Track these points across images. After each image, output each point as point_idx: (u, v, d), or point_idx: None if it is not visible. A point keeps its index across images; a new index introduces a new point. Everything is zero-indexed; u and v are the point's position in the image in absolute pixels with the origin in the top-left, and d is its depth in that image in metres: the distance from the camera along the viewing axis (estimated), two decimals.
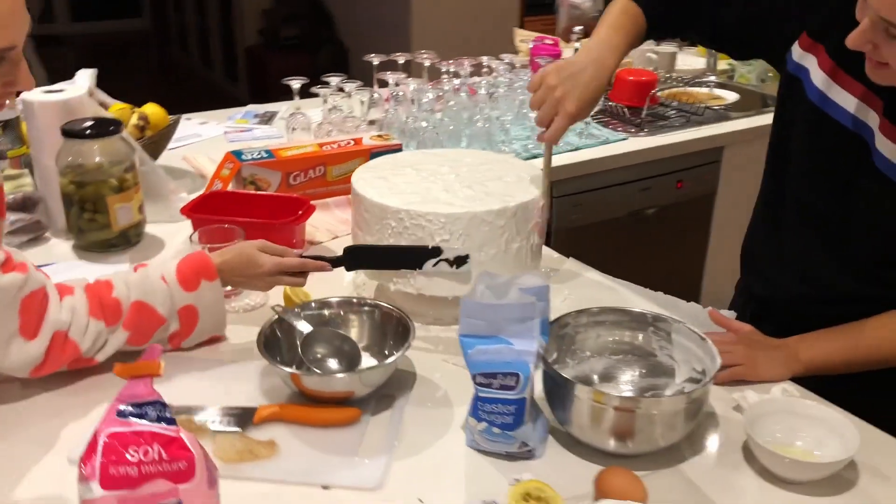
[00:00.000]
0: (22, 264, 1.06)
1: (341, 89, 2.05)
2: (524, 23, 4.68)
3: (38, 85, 1.56)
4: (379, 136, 1.81)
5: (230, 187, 1.63)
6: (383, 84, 2.10)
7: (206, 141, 2.17)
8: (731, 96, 2.63)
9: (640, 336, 1.11)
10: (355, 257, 1.22)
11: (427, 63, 2.13)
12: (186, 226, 1.44)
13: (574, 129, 2.24)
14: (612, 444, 0.97)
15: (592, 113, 2.22)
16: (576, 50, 2.58)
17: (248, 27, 6.04)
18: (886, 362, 1.15)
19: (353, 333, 1.16)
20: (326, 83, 2.04)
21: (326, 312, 1.17)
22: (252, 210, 1.46)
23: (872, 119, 1.10)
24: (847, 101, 1.12)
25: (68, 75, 1.80)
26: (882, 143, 1.09)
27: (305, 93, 2.04)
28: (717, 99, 2.61)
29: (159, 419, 0.78)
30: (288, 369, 1.06)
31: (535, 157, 2.04)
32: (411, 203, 1.20)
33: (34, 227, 1.53)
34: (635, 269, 1.79)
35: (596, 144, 2.21)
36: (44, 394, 1.10)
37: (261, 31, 6.02)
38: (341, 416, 1.03)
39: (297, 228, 1.45)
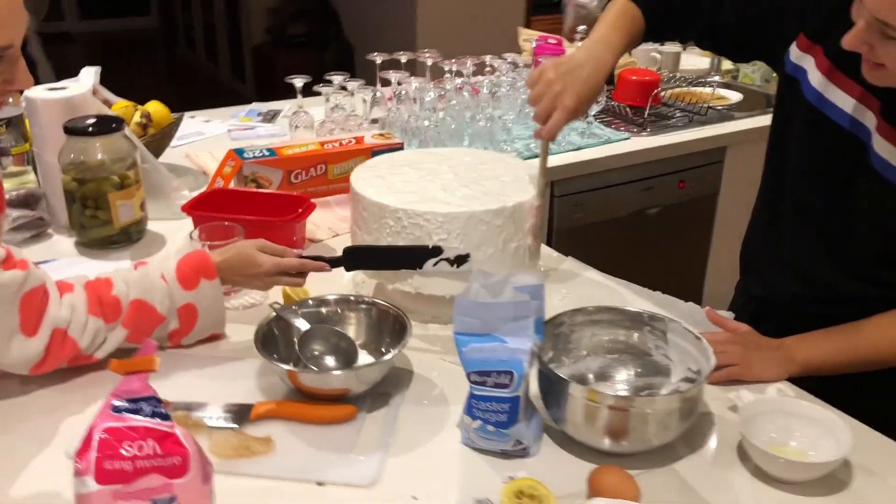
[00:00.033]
0: (22, 261, 1.07)
1: (344, 88, 2.06)
2: (531, 22, 4.68)
3: (45, 82, 1.57)
4: (380, 134, 1.81)
5: (232, 185, 1.64)
6: (386, 83, 2.10)
7: (209, 139, 2.18)
8: (734, 96, 2.63)
9: (636, 335, 1.11)
10: (355, 257, 1.23)
11: (430, 62, 2.13)
12: (188, 223, 1.45)
13: (576, 128, 2.25)
14: (606, 443, 0.98)
15: (595, 112, 2.23)
16: None
17: (255, 25, 6.05)
18: (883, 363, 1.15)
19: (351, 331, 1.17)
20: (329, 82, 2.04)
21: (324, 310, 1.18)
22: (253, 208, 1.47)
23: (870, 120, 1.10)
24: (844, 101, 1.13)
25: (76, 73, 1.81)
26: (879, 144, 1.09)
27: (310, 91, 2.04)
28: (720, 99, 2.61)
29: (154, 415, 0.79)
30: (284, 366, 1.06)
31: (536, 156, 2.02)
32: (409, 202, 1.20)
33: (37, 223, 1.54)
34: (637, 269, 1.79)
35: (598, 144, 2.21)
36: (42, 389, 1.11)
37: (268, 29, 6.03)
38: (337, 414, 1.04)
39: (297, 226, 1.46)
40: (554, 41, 2.54)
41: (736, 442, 1.02)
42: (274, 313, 1.14)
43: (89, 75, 1.80)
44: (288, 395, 1.08)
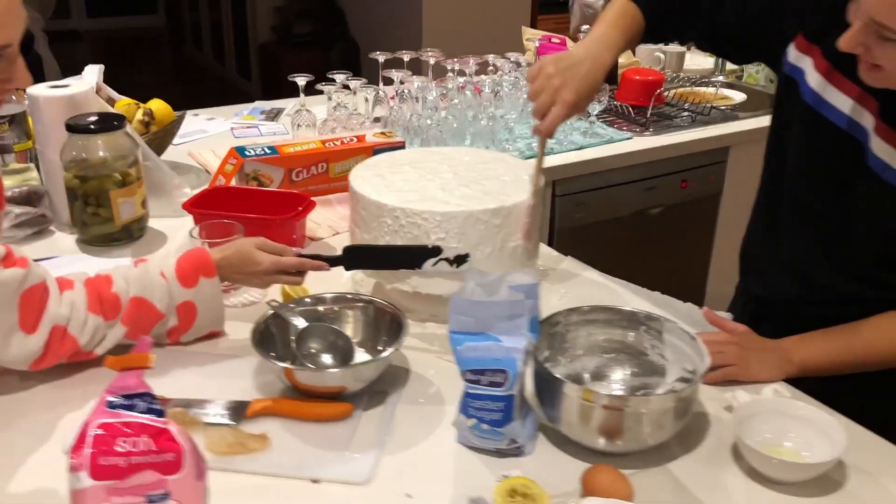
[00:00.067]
0: (22, 259, 1.07)
1: (346, 86, 2.06)
2: (538, 21, 4.67)
3: (51, 80, 1.58)
4: (382, 133, 1.82)
5: (233, 183, 1.65)
6: (388, 81, 2.11)
7: (212, 137, 2.18)
8: (738, 96, 2.62)
9: (632, 335, 1.11)
10: (354, 257, 1.23)
11: (432, 61, 2.13)
12: (189, 221, 1.45)
13: (579, 128, 2.25)
14: (600, 443, 0.98)
15: (597, 112, 2.23)
16: None
17: (262, 24, 6.06)
18: (881, 364, 1.15)
19: (348, 329, 1.17)
20: (332, 80, 2.05)
21: (321, 308, 1.18)
22: (253, 206, 1.47)
23: (867, 121, 1.10)
24: (842, 102, 1.13)
25: (83, 71, 1.82)
26: (877, 145, 1.09)
27: (314, 90, 2.05)
28: (724, 99, 2.61)
29: (148, 411, 0.79)
30: (281, 364, 1.07)
31: (535, 156, 2.04)
32: (407, 201, 1.20)
33: (39, 220, 1.55)
34: (639, 269, 1.79)
35: (600, 143, 2.21)
36: (42, 385, 1.11)
37: (274, 27, 6.04)
38: (333, 411, 1.04)
39: (297, 224, 1.47)
40: (557, 40, 2.54)
41: (731, 442, 1.02)
42: (271, 311, 1.14)
43: (93, 73, 1.81)
44: (285, 393, 1.09)
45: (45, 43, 4.57)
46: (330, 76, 2.05)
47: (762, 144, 1.32)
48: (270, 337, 1.12)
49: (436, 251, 1.17)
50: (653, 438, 0.98)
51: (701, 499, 0.94)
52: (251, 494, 0.93)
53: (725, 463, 1.00)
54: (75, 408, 1.07)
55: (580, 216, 2.21)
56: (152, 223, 1.59)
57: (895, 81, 1.00)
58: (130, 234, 1.53)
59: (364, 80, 2.07)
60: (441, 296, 1.22)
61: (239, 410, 1.04)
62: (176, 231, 1.57)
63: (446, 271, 1.18)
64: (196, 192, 1.57)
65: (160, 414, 0.80)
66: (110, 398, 0.79)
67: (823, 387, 1.13)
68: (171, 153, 1.93)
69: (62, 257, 1.47)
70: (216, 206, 1.45)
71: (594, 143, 2.20)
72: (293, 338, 1.12)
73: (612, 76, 2.52)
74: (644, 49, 2.80)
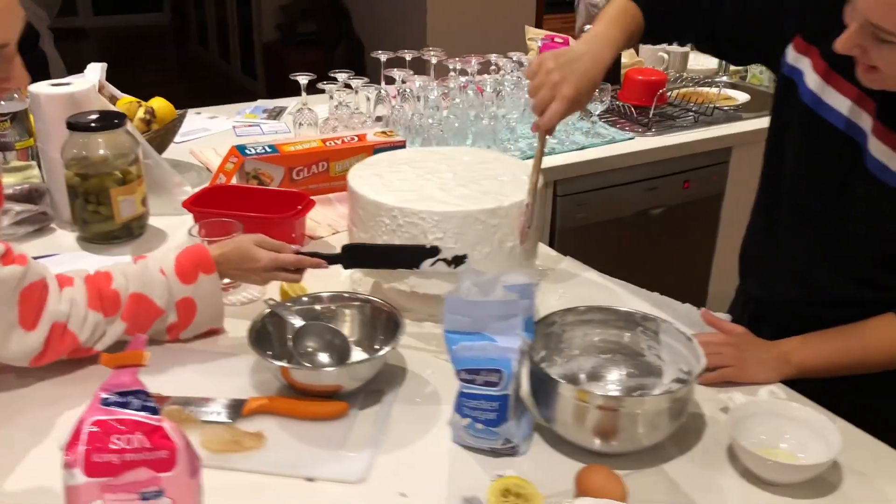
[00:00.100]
0: (21, 256, 1.08)
1: (348, 85, 2.06)
2: (543, 20, 4.67)
3: (56, 78, 1.59)
4: (383, 132, 1.82)
5: (234, 181, 1.65)
6: (390, 81, 2.11)
7: (214, 135, 2.19)
8: (742, 97, 2.62)
9: (628, 335, 1.11)
10: (353, 255, 1.23)
11: (434, 60, 2.13)
12: (189, 219, 1.45)
13: (581, 128, 2.25)
14: (595, 443, 0.98)
15: (599, 112, 2.23)
16: None
17: (267, 23, 6.08)
18: (878, 366, 1.15)
19: (345, 328, 1.18)
20: (334, 79, 2.05)
21: (318, 307, 1.18)
22: (253, 204, 1.48)
23: (865, 122, 1.10)
24: (841, 103, 1.12)
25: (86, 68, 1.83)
26: (875, 146, 1.09)
27: (317, 88, 2.05)
28: (728, 99, 2.60)
29: (142, 408, 0.80)
30: (277, 363, 1.07)
31: None
32: (405, 201, 1.20)
33: (40, 217, 1.56)
34: (640, 270, 1.79)
35: (602, 143, 2.21)
36: (41, 382, 1.12)
37: (279, 26, 6.05)
38: (329, 410, 1.04)
39: (296, 223, 1.47)
40: (560, 40, 2.54)
41: (726, 443, 1.02)
42: (268, 310, 1.15)
43: (95, 71, 1.82)
44: (281, 392, 1.09)
45: (51, 41, 4.58)
46: (332, 75, 2.06)
47: (765, 145, 1.32)
48: (267, 335, 1.12)
49: (434, 251, 1.17)
50: (648, 439, 0.98)
51: (695, 500, 0.94)
52: (246, 492, 0.94)
53: (721, 464, 1.00)
54: (74, 405, 1.07)
55: (581, 216, 2.21)
56: (153, 221, 1.59)
57: (892, 83, 1.00)
58: (131, 232, 1.53)
59: (366, 80, 2.07)
60: (439, 295, 1.22)
61: (235, 408, 1.05)
62: (176, 229, 1.57)
63: (444, 272, 1.18)
64: (196, 190, 1.58)
65: (154, 411, 0.80)
66: (104, 395, 0.79)
67: (822, 388, 1.13)
68: (172, 151, 1.94)
69: (63, 255, 1.48)
70: (216, 205, 1.46)
71: (596, 143, 2.20)
72: (290, 336, 1.13)
73: (614, 76, 2.52)
74: (648, 49, 2.80)
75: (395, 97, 2.06)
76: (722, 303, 1.51)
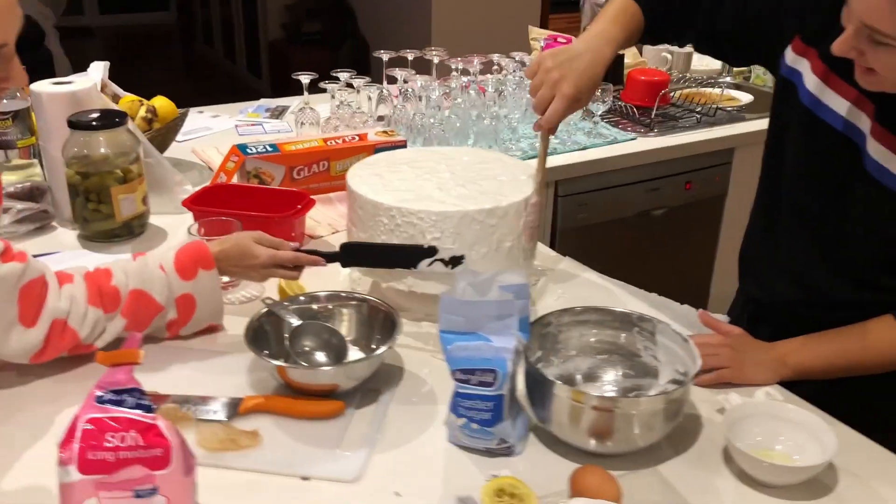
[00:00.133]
0: (21, 253, 1.09)
1: (350, 85, 2.07)
2: (549, 20, 4.67)
3: (62, 76, 1.60)
4: (384, 131, 1.82)
5: (235, 180, 1.65)
6: (392, 80, 2.11)
7: (216, 134, 2.20)
8: (745, 98, 2.61)
9: (624, 336, 1.11)
10: (351, 254, 1.23)
11: (436, 60, 2.14)
12: (190, 218, 1.46)
13: (582, 128, 2.25)
14: (590, 444, 0.98)
15: (601, 112, 2.23)
16: None
17: (272, 22, 6.09)
18: (877, 368, 1.15)
19: (342, 327, 1.18)
20: (336, 78, 2.05)
21: (315, 306, 1.18)
22: (253, 203, 1.48)
23: (864, 123, 1.10)
24: (839, 105, 1.12)
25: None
26: (873, 147, 1.09)
27: (319, 88, 2.06)
28: (731, 100, 2.59)
29: (137, 406, 0.80)
30: (274, 361, 1.07)
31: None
32: (404, 200, 1.21)
33: (41, 216, 1.57)
34: (642, 270, 1.79)
35: (604, 144, 2.20)
36: (41, 380, 1.12)
37: (284, 25, 6.06)
38: (325, 409, 1.05)
39: (295, 222, 1.47)
40: (564, 40, 2.53)
41: (722, 445, 1.02)
42: (265, 309, 1.15)
43: (98, 70, 1.83)
44: (278, 390, 1.09)
45: (56, 39, 4.60)
46: (334, 74, 2.06)
47: None
48: (264, 334, 1.13)
49: (431, 251, 1.17)
50: (643, 440, 0.98)
51: (690, 501, 0.94)
52: (241, 491, 0.94)
53: (716, 465, 1.00)
54: (73, 402, 1.06)
55: (583, 217, 2.21)
56: (153, 220, 1.60)
57: (889, 85, 0.99)
58: (131, 230, 1.54)
59: (367, 79, 2.07)
60: (436, 295, 1.21)
61: (231, 407, 1.05)
62: (177, 228, 1.58)
63: (441, 272, 1.18)
64: (198, 188, 1.58)
65: (149, 409, 0.80)
66: (99, 393, 0.80)
67: (819, 390, 1.13)
68: (174, 150, 1.95)
69: (63, 253, 1.48)
70: (216, 204, 1.46)
71: (598, 143, 2.20)
72: (287, 335, 1.13)
73: (618, 76, 2.52)
74: (651, 49, 2.80)
75: (396, 97, 2.06)
76: (723, 304, 1.51)
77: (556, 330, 1.11)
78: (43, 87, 1.53)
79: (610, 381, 1.11)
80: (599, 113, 2.23)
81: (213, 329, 1.24)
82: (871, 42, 0.93)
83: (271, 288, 1.33)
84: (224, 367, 1.15)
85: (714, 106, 2.45)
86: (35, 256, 1.13)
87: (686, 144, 2.29)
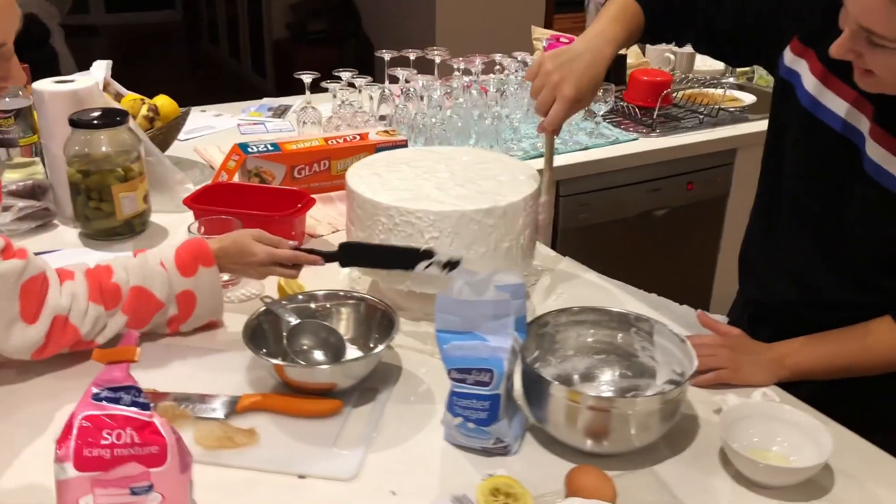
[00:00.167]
0: (21, 250, 1.09)
1: (352, 84, 2.07)
2: (553, 20, 4.66)
3: (66, 75, 1.60)
4: (385, 131, 1.82)
5: (236, 179, 1.66)
6: (394, 80, 2.11)
7: (219, 133, 2.20)
8: (748, 98, 2.61)
9: (621, 336, 1.11)
10: (349, 254, 1.23)
11: (438, 59, 2.14)
12: (191, 216, 1.46)
13: (584, 128, 2.25)
14: (587, 444, 0.98)
15: (603, 112, 2.23)
16: None
17: (277, 21, 6.10)
18: (875, 369, 1.15)
19: (340, 326, 1.18)
20: (338, 78, 2.06)
21: (313, 305, 1.19)
22: (253, 202, 1.48)
23: (863, 124, 1.10)
24: (839, 106, 1.12)
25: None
26: (872, 149, 1.09)
27: (322, 87, 2.06)
28: (734, 101, 2.59)
29: (133, 404, 0.81)
30: (271, 360, 1.07)
31: (541, 155, 2.03)
32: (402, 200, 1.21)
33: (42, 213, 1.57)
34: (643, 271, 1.79)
35: (606, 144, 2.20)
36: (41, 377, 1.13)
37: (289, 24, 6.07)
38: (322, 408, 1.05)
39: (295, 221, 1.48)
40: (566, 40, 2.53)
41: (719, 446, 1.02)
42: (264, 307, 1.15)
43: (101, 69, 1.83)
44: (276, 389, 1.10)
45: (62, 38, 4.62)
46: (336, 74, 2.06)
47: None
48: (262, 333, 1.13)
49: (428, 255, 1.17)
50: (639, 440, 0.98)
51: (686, 502, 0.94)
52: (238, 489, 0.94)
53: (712, 466, 1.00)
54: (73, 399, 1.05)
55: (584, 217, 2.21)
56: (154, 218, 1.60)
57: (888, 87, 0.99)
58: (132, 228, 1.54)
59: (369, 78, 2.07)
60: (435, 295, 1.22)
61: (229, 405, 1.05)
62: (177, 226, 1.58)
63: (437, 275, 1.18)
64: (198, 187, 1.59)
65: (145, 407, 0.81)
66: (96, 390, 0.80)
67: (817, 391, 1.13)
68: (176, 149, 1.95)
69: (65, 251, 1.49)
70: (217, 202, 1.46)
71: (600, 143, 2.20)
72: (285, 334, 1.13)
73: (620, 77, 2.52)
74: (654, 50, 2.79)
75: (398, 96, 2.07)
76: (725, 304, 1.51)
77: (554, 330, 1.11)
78: (45, 85, 1.53)
79: (607, 382, 1.11)
80: (601, 113, 2.23)
81: (213, 325, 1.25)
82: (868, 44, 0.93)
83: (271, 286, 1.34)
84: (223, 365, 1.16)
85: (716, 107, 2.45)
86: (36, 254, 1.13)
87: (688, 145, 2.28)
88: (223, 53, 7.30)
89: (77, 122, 1.45)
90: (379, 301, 1.18)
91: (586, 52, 1.24)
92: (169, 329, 1.21)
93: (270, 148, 1.68)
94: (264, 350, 1.10)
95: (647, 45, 2.79)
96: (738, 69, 2.87)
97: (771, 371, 1.15)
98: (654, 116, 2.34)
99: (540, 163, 1.36)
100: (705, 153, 2.33)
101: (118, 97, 1.83)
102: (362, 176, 1.30)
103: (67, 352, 1.13)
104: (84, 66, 1.88)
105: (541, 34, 2.65)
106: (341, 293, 1.21)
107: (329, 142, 1.74)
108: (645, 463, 0.99)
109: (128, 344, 0.82)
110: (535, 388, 0.99)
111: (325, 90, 2.07)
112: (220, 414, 1.04)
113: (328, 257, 1.22)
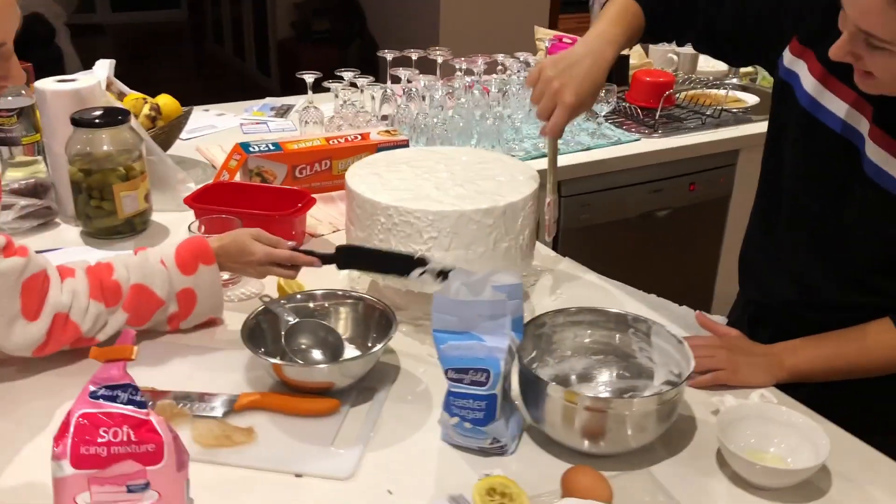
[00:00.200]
0: (22, 248, 1.10)
1: (354, 84, 2.07)
2: (559, 20, 4.66)
3: (71, 74, 1.61)
4: (386, 131, 1.83)
5: (237, 178, 1.66)
6: (397, 80, 2.11)
7: (221, 132, 2.20)
8: (751, 99, 2.60)
9: (619, 337, 1.11)
10: (347, 256, 1.23)
11: (440, 59, 2.14)
12: (192, 215, 1.47)
13: (586, 129, 2.25)
14: (583, 444, 0.98)
15: (605, 113, 2.23)
16: None
17: (281, 20, 6.10)
18: (874, 371, 1.15)
19: (338, 326, 1.18)
20: (340, 78, 2.06)
21: (312, 304, 1.19)
22: (254, 201, 1.49)
23: (863, 125, 1.10)
24: (838, 107, 1.12)
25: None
26: (872, 150, 1.09)
27: (325, 87, 2.07)
28: (737, 101, 2.59)
29: (130, 402, 0.81)
30: (270, 359, 1.08)
31: (544, 155, 2.03)
32: (401, 200, 1.21)
33: (44, 212, 1.58)
34: (645, 271, 1.79)
35: (608, 145, 2.20)
36: (40, 374, 1.13)
37: (293, 24, 6.08)
38: (320, 407, 1.05)
39: (295, 220, 1.48)
40: (569, 40, 2.53)
41: (716, 447, 1.01)
42: (262, 306, 1.16)
43: (103, 68, 1.84)
44: (274, 388, 1.10)
45: (67, 37, 4.63)
46: (338, 73, 2.06)
47: None
48: (261, 332, 1.13)
49: (422, 262, 1.15)
50: (636, 441, 0.98)
51: (681, 502, 0.94)
52: (235, 487, 0.94)
53: (709, 467, 1.00)
54: (73, 397, 1.05)
55: (586, 217, 2.21)
56: (155, 217, 1.61)
57: (887, 88, 0.99)
58: (133, 227, 1.55)
59: (371, 78, 2.08)
60: (433, 295, 1.23)
61: (227, 404, 1.06)
62: (179, 225, 1.58)
63: (431, 284, 1.16)
64: (199, 186, 1.59)
65: (141, 405, 0.81)
66: (93, 388, 0.81)
67: (816, 392, 1.13)
68: (179, 148, 1.96)
69: (66, 249, 1.49)
70: (218, 201, 1.47)
71: (602, 144, 2.20)
72: (283, 333, 1.13)
73: (623, 77, 2.52)
74: (657, 50, 2.79)
75: (400, 96, 2.07)
76: (727, 306, 1.51)
77: (551, 330, 1.11)
78: (47, 84, 1.54)
79: (604, 382, 1.11)
80: (603, 114, 2.23)
81: (213, 322, 1.25)
82: (867, 46, 0.93)
83: (271, 286, 1.34)
84: (221, 363, 1.16)
85: (719, 107, 2.45)
86: (38, 252, 1.14)
87: (690, 146, 2.28)
88: (228, 53, 7.31)
89: (79, 121, 1.46)
90: (377, 301, 1.18)
91: (586, 57, 1.24)
92: (169, 326, 1.22)
93: (272, 147, 1.68)
94: (263, 349, 1.11)
95: (651, 46, 2.79)
96: (742, 70, 2.86)
97: (769, 372, 1.15)
98: (657, 117, 2.34)
99: (541, 163, 1.36)
100: (707, 154, 2.33)
101: (121, 96, 1.84)
102: (362, 175, 1.30)
103: (68, 349, 1.14)
104: (89, 65, 1.89)
105: (543, 34, 2.65)
106: (340, 293, 1.22)
107: (330, 141, 1.74)
108: (641, 464, 0.99)
109: (125, 342, 0.82)
110: (532, 388, 1.00)
111: (327, 90, 2.08)
112: (218, 412, 1.04)
113: (325, 259, 1.22)
